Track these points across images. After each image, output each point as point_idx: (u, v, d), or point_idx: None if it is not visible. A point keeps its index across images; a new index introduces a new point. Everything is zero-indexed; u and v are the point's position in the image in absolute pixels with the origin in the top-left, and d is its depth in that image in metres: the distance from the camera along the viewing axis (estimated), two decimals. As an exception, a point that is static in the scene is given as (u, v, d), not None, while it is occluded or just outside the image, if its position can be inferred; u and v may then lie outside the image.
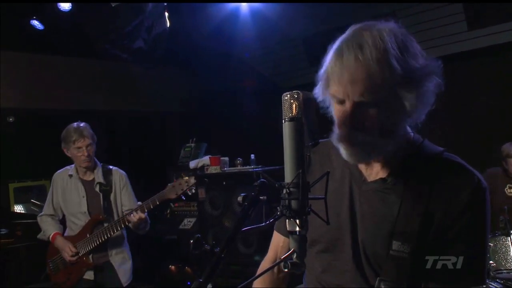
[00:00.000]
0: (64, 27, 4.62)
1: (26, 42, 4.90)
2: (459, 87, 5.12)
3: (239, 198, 1.20)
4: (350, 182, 1.32)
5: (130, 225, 3.09)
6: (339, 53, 1.15)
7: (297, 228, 1.23)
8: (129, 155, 4.87)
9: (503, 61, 4.88)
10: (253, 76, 6.36)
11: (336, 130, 1.21)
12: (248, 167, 4.32)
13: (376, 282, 1.21)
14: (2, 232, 4.36)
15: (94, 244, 3.14)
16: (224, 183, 4.27)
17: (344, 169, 1.33)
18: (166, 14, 4.25)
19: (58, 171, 3.43)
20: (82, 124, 3.27)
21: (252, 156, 4.32)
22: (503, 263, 3.34)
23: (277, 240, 1.52)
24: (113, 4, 3.88)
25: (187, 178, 3.03)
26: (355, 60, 1.11)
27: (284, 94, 1.28)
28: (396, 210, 1.21)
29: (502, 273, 3.35)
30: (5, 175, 5.14)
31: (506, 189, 4.00)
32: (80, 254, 3.19)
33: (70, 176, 3.34)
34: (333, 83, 1.17)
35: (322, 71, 1.23)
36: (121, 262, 3.27)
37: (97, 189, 3.26)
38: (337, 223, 1.30)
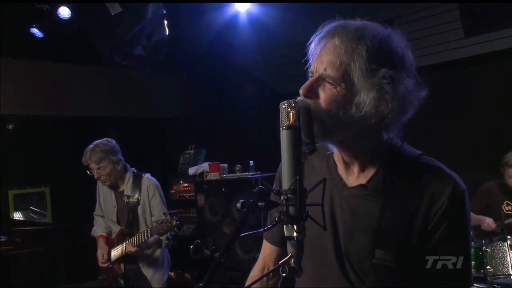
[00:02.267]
0: (64, 34, 4.66)
1: (26, 49, 4.94)
2: (456, 94, 5.16)
3: (238, 205, 1.22)
4: (331, 187, 1.32)
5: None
6: (323, 32, 1.23)
7: (295, 234, 1.25)
8: (129, 161, 4.89)
9: (500, 68, 4.90)
10: (253, 82, 6.40)
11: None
12: (247, 173, 4.34)
13: None
14: (1, 239, 4.37)
15: (122, 254, 3.17)
16: (223, 189, 4.29)
17: (325, 175, 1.34)
18: (165, 22, 4.28)
19: None
20: (96, 146, 3.26)
21: (251, 162, 4.34)
22: (500, 268, 3.35)
23: (265, 248, 1.53)
24: (113, 12, 3.91)
25: (169, 219, 2.98)
26: (331, 37, 1.19)
27: (282, 102, 1.31)
28: (377, 217, 1.21)
29: (499, 278, 3.36)
30: (5, 182, 5.15)
31: (504, 207, 3.96)
32: (111, 260, 3.25)
33: None
34: (310, 58, 1.25)
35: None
36: (154, 272, 3.27)
37: (125, 200, 3.26)
38: (319, 228, 1.26)
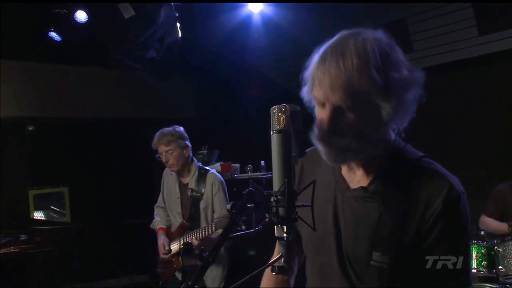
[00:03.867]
0: (80, 38, 4.78)
1: (46, 53, 5.07)
2: (471, 92, 5.10)
3: (228, 206, 1.27)
4: (335, 189, 1.36)
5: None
6: (323, 58, 1.19)
7: (285, 234, 1.30)
8: (144, 162, 4.99)
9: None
10: (265, 82, 6.43)
11: (315, 131, 1.25)
12: (258, 173, 4.38)
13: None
14: (21, 238, 4.50)
15: (180, 247, 3.16)
16: (234, 189, 4.34)
17: (330, 176, 1.38)
18: (178, 24, 4.36)
19: None
20: (166, 130, 3.30)
21: (262, 162, 4.38)
22: (512, 268, 3.32)
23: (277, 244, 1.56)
24: (126, 16, 4.00)
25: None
26: (336, 67, 1.15)
27: (272, 107, 1.35)
28: (376, 219, 1.23)
29: (511, 278, 3.32)
30: (25, 182, 5.31)
31: None
32: (172, 253, 3.26)
33: (171, 174, 3.42)
34: (316, 86, 1.21)
35: (307, 73, 1.26)
36: (211, 270, 3.13)
37: (189, 193, 3.28)
38: (324, 228, 1.34)
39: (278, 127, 1.32)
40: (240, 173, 4.59)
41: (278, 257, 1.30)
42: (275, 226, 1.31)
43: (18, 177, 5.21)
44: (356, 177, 1.32)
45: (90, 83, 5.71)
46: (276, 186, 1.32)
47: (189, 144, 3.34)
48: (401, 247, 1.18)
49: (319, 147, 1.25)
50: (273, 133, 1.32)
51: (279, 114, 1.33)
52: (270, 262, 1.29)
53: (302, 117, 1.42)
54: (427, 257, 1.17)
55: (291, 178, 1.30)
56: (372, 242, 1.22)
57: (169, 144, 3.22)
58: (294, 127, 1.37)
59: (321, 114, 1.22)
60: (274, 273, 1.27)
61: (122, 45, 4.25)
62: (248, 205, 1.25)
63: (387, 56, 1.17)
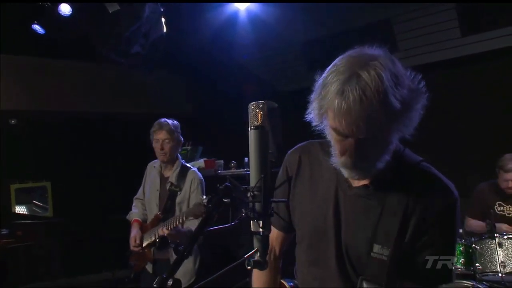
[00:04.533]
0: (64, 31, 4.73)
1: (28, 46, 5.02)
2: (453, 93, 5.17)
3: (204, 201, 1.29)
4: (336, 186, 1.42)
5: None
6: (341, 93, 1.18)
7: (260, 229, 1.31)
8: (128, 157, 4.97)
9: (496, 67, 4.91)
10: (252, 79, 6.44)
11: (338, 157, 1.29)
12: (242, 169, 4.39)
13: (359, 280, 1.33)
14: (2, 233, 4.46)
15: (152, 239, 3.22)
16: (218, 185, 4.33)
17: (332, 173, 1.43)
18: (163, 20, 4.34)
19: (153, 161, 3.53)
20: (169, 121, 3.36)
21: (246, 159, 4.39)
22: (488, 266, 3.37)
23: (272, 232, 1.56)
24: (110, 10, 3.97)
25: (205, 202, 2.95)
26: (360, 104, 1.16)
27: (250, 104, 1.37)
28: (377, 215, 1.33)
29: (488, 275, 3.39)
30: (7, 176, 5.25)
31: (496, 207, 3.96)
32: (143, 246, 3.29)
33: (154, 167, 3.47)
34: (335, 118, 1.22)
35: (317, 98, 1.28)
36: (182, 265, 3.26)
37: (167, 187, 3.34)
38: (323, 222, 1.42)
39: (255, 123, 1.34)
40: (224, 169, 4.60)
41: (254, 251, 1.32)
42: (251, 221, 1.33)
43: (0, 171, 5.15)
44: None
45: (74, 77, 5.66)
46: (253, 181, 1.34)
47: (182, 140, 3.45)
48: (400, 241, 1.29)
49: (344, 170, 1.31)
50: (250, 129, 1.34)
51: (257, 110, 1.35)
52: (245, 256, 1.31)
53: (279, 114, 1.45)
54: (426, 256, 1.30)
55: (267, 173, 1.32)
56: (373, 235, 1.31)
57: (170, 134, 3.30)
58: (272, 123, 1.39)
59: (342, 144, 1.26)
60: (249, 267, 1.30)
61: (107, 40, 4.22)
62: (225, 200, 1.27)
63: (396, 77, 1.21)
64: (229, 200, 1.26)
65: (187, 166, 3.43)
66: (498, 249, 3.33)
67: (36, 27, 4.70)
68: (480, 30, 4.74)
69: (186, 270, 3.23)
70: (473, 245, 3.49)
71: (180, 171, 3.36)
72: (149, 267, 3.32)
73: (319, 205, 1.43)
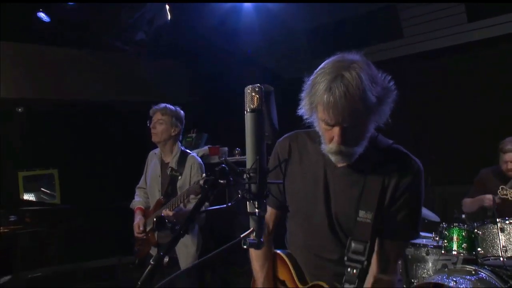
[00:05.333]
0: (69, 19, 4.75)
1: (35, 34, 5.04)
2: (459, 79, 5.14)
3: (201, 182, 1.32)
4: (324, 166, 1.69)
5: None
6: (329, 89, 1.46)
7: (256, 210, 1.35)
8: (134, 144, 5.01)
9: (503, 53, 4.87)
10: (256, 67, 6.44)
11: (326, 144, 1.57)
12: (245, 156, 4.41)
13: (348, 240, 1.60)
14: (11, 219, 4.54)
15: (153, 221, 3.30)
16: (231, 178, 4.34)
17: (319, 156, 1.69)
18: (167, 7, 4.35)
19: (154, 149, 3.62)
20: (169, 105, 3.47)
21: (250, 146, 4.39)
22: (490, 250, 3.38)
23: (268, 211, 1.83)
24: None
25: (200, 182, 3.00)
26: (344, 98, 1.44)
27: (246, 87, 1.40)
28: (360, 188, 1.62)
29: (489, 259, 3.40)
30: (14, 164, 5.32)
31: (499, 191, 3.98)
32: (147, 231, 3.35)
33: (155, 154, 3.57)
34: (324, 111, 1.49)
35: (307, 96, 1.56)
36: (183, 246, 3.28)
37: (168, 172, 3.40)
38: (314, 198, 1.69)
39: (251, 106, 1.36)
40: (229, 156, 4.63)
41: (250, 231, 1.35)
42: (247, 202, 1.36)
43: (7, 159, 5.22)
44: None
45: (80, 65, 5.67)
46: (249, 163, 1.37)
47: (180, 127, 3.49)
48: (381, 207, 1.59)
49: (331, 156, 1.58)
50: (246, 112, 1.37)
51: (253, 94, 1.37)
52: (241, 236, 1.34)
53: (275, 98, 1.47)
54: (400, 215, 1.62)
55: (263, 155, 1.35)
56: (358, 204, 1.61)
57: (163, 115, 3.40)
58: (268, 107, 1.41)
59: (330, 132, 1.54)
60: (245, 247, 1.33)
61: (111, 27, 4.24)
62: (220, 181, 1.30)
63: (372, 77, 1.50)
64: (225, 181, 1.29)
65: (187, 152, 3.50)
66: (500, 234, 3.34)
67: (41, 14, 4.73)
68: (487, 16, 4.69)
69: (188, 254, 3.30)
70: (476, 230, 3.51)
71: (180, 156, 3.43)
72: (153, 252, 3.38)
73: (310, 183, 1.70)
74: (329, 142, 1.55)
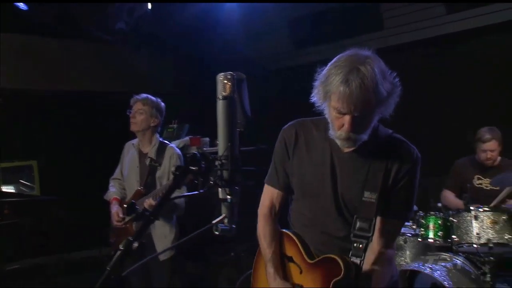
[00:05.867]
0: (48, 7, 4.67)
1: (11, 23, 4.95)
2: (438, 70, 5.21)
3: (172, 169, 1.33)
4: (331, 151, 1.84)
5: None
6: (345, 81, 1.59)
7: (228, 196, 1.36)
8: (113, 135, 4.97)
9: (481, 45, 4.95)
10: (239, 57, 6.42)
11: (336, 131, 1.71)
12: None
13: (354, 219, 1.77)
14: (-12, 211, 4.47)
15: (134, 214, 3.27)
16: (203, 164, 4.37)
17: (325, 142, 1.85)
18: (147, -4, 4.31)
19: (131, 140, 3.61)
20: (150, 96, 3.47)
21: (232, 136, 4.39)
22: (464, 237, 3.44)
23: (271, 192, 2.00)
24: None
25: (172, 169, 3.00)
26: (360, 89, 1.58)
27: (218, 75, 1.41)
28: (365, 170, 1.79)
29: (463, 246, 3.48)
30: (-8, 155, 5.23)
31: (475, 180, 4.06)
32: (125, 221, 3.35)
33: (133, 145, 3.56)
34: (338, 100, 1.62)
35: (321, 85, 1.69)
36: (161, 236, 3.31)
37: (147, 162, 3.40)
38: (322, 180, 1.84)
39: (223, 93, 1.38)
40: (210, 146, 4.63)
41: (222, 217, 1.37)
42: (220, 189, 1.38)
43: (-15, 150, 5.13)
44: None
45: (60, 56, 5.60)
46: (221, 150, 1.39)
47: (160, 119, 3.49)
48: (384, 188, 1.77)
49: (339, 141, 1.74)
50: (218, 100, 1.38)
51: (225, 81, 1.39)
52: (213, 222, 1.36)
53: (247, 85, 1.49)
54: (400, 195, 1.81)
55: (234, 142, 1.36)
56: (364, 185, 1.77)
57: (144, 105, 3.40)
58: (240, 94, 1.43)
59: (340, 120, 1.68)
60: (217, 233, 1.35)
61: (91, 16, 4.18)
62: (192, 168, 1.31)
63: (383, 73, 1.65)
64: (196, 168, 1.31)
65: (165, 142, 3.51)
66: (473, 221, 3.41)
67: (19, 4, 4.64)
68: (465, 8, 4.75)
69: (165, 245, 3.30)
70: (451, 218, 3.58)
71: (159, 147, 3.44)
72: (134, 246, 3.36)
73: (318, 167, 1.85)
74: (339, 129, 1.69)
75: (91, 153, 5.68)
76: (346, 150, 1.80)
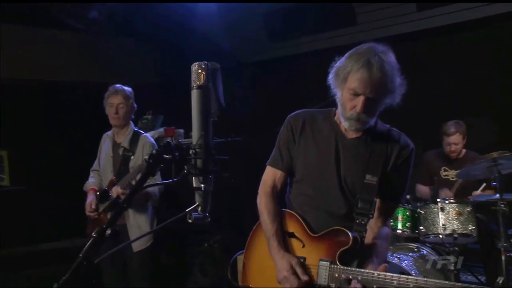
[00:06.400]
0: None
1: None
2: (408, 66, 5.33)
3: (146, 157, 1.34)
4: (336, 138, 2.00)
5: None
6: (367, 63, 1.76)
7: (202, 185, 1.39)
8: (87, 126, 4.90)
9: (449, 42, 5.10)
10: (216, 50, 6.42)
11: (347, 112, 1.86)
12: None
13: (355, 199, 1.92)
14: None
15: (107, 203, 3.28)
16: (176, 154, 4.36)
17: (331, 129, 2.02)
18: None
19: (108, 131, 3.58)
20: (124, 87, 3.42)
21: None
22: (431, 228, 3.58)
23: (273, 173, 2.11)
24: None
25: (145, 157, 3.00)
26: (380, 72, 1.76)
27: (193, 64, 1.42)
28: (367, 156, 1.95)
29: (430, 237, 3.61)
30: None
31: (441, 172, 4.21)
32: (99, 211, 3.33)
33: (107, 135, 3.53)
34: (356, 80, 1.78)
35: (340, 69, 1.85)
36: (136, 227, 3.28)
37: (120, 152, 3.39)
38: (327, 163, 1.98)
39: (198, 83, 1.40)
40: (184, 138, 4.62)
41: (195, 205, 1.39)
42: (193, 178, 1.40)
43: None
44: (350, 132, 1.98)
45: (33, 45, 5.46)
46: (195, 139, 1.41)
47: (135, 109, 3.51)
48: (384, 172, 1.93)
49: (348, 122, 1.88)
50: (193, 89, 1.40)
51: (199, 71, 1.41)
52: (187, 210, 1.38)
53: (222, 75, 1.51)
54: (396, 180, 1.99)
55: (208, 132, 1.39)
56: (366, 169, 1.93)
57: (126, 99, 3.38)
58: (214, 84, 1.45)
59: (353, 101, 1.82)
60: (190, 221, 1.37)
61: (63, 4, 4.10)
62: (165, 156, 1.33)
63: (396, 66, 1.83)
64: (170, 156, 1.33)
65: (139, 132, 3.50)
66: (440, 213, 3.54)
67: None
68: (435, 6, 4.88)
69: (140, 240, 3.27)
70: (418, 209, 3.70)
71: (132, 136, 3.43)
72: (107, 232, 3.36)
73: (323, 151, 1.99)
74: (350, 110, 1.84)
75: (64, 143, 5.59)
76: (350, 136, 1.97)
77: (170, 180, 1.36)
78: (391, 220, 3.76)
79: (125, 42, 6.11)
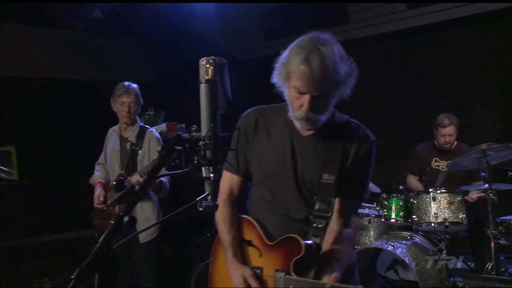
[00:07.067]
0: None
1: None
2: (399, 62, 5.48)
3: (158, 148, 1.45)
4: (291, 136, 1.87)
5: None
6: (306, 60, 1.62)
7: (211, 174, 1.50)
8: (89, 123, 5.00)
9: (439, 39, 5.24)
10: (211, 48, 6.52)
11: (295, 112, 1.74)
12: (201, 133, 4.52)
13: (313, 200, 1.81)
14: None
15: (117, 197, 3.39)
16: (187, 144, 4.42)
17: (284, 127, 1.89)
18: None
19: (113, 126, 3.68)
20: (132, 84, 3.52)
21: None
22: (423, 217, 3.74)
23: (230, 178, 1.99)
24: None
25: (158, 148, 3.09)
26: (320, 68, 1.61)
27: (201, 59, 1.53)
28: (324, 153, 1.83)
29: (422, 226, 3.77)
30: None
31: (433, 163, 4.35)
32: (107, 204, 3.45)
33: (114, 130, 3.64)
34: (298, 79, 1.65)
35: (282, 66, 1.72)
36: (143, 219, 3.35)
37: (128, 147, 3.50)
38: (283, 163, 1.86)
39: (206, 77, 1.49)
40: (186, 133, 4.72)
41: (205, 194, 1.50)
42: (203, 168, 1.51)
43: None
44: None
45: (36, 43, 5.52)
46: (204, 131, 1.52)
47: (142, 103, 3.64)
48: (342, 170, 1.81)
49: (298, 122, 1.78)
50: (201, 83, 1.51)
51: (207, 65, 1.50)
52: (197, 199, 1.49)
53: (228, 70, 1.63)
54: (356, 176, 1.86)
55: (217, 124, 1.50)
56: (323, 167, 1.81)
57: (136, 98, 3.51)
58: (221, 78, 1.56)
59: (300, 100, 1.70)
60: (201, 209, 1.48)
61: (65, 4, 4.19)
62: (177, 147, 1.44)
63: (341, 55, 1.69)
64: (181, 147, 1.43)
65: (145, 127, 3.62)
66: (432, 202, 3.69)
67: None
68: (424, 4, 5.01)
69: (147, 231, 3.39)
70: (411, 199, 3.85)
71: (139, 131, 3.54)
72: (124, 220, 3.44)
73: (278, 151, 1.87)
74: (298, 109, 1.71)
75: (68, 138, 5.67)
76: (305, 133, 1.83)
77: (181, 170, 1.46)
78: (385, 210, 3.92)
79: (122, 39, 6.19)
